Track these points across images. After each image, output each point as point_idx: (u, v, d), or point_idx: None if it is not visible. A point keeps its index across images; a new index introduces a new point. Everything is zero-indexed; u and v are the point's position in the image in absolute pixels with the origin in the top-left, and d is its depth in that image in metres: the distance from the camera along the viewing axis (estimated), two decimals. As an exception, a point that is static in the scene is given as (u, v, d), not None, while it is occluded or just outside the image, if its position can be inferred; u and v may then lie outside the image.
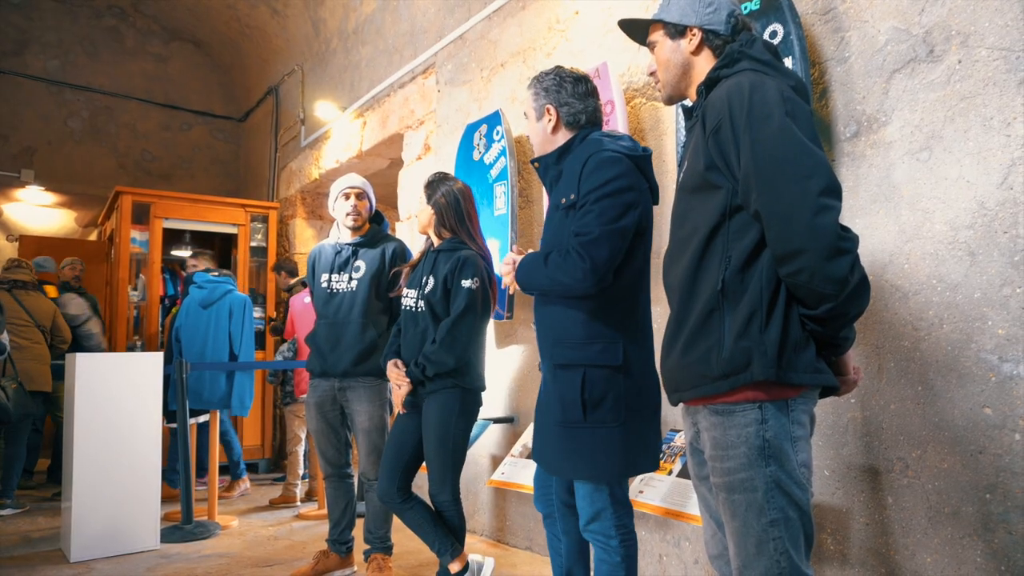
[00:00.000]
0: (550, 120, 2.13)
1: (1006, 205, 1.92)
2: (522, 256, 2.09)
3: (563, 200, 1.99)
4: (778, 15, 2.40)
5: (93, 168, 7.78)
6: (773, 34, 2.40)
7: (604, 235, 1.88)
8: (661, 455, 2.60)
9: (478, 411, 2.81)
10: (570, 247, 1.90)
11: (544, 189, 2.26)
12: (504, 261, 2.14)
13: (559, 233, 2.01)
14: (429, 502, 2.77)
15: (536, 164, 2.19)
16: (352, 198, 3.17)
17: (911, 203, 2.14)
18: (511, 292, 2.16)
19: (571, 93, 2.12)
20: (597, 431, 1.95)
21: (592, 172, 1.93)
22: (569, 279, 1.89)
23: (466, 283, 2.68)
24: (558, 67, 2.20)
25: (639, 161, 2.03)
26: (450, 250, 2.77)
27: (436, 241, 2.83)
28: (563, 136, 2.13)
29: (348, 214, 3.16)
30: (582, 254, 1.87)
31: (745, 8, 2.47)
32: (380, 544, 3.13)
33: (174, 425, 4.36)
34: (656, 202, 2.11)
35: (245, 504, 5.02)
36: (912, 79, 2.16)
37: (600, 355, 1.97)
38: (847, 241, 1.37)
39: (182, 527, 3.98)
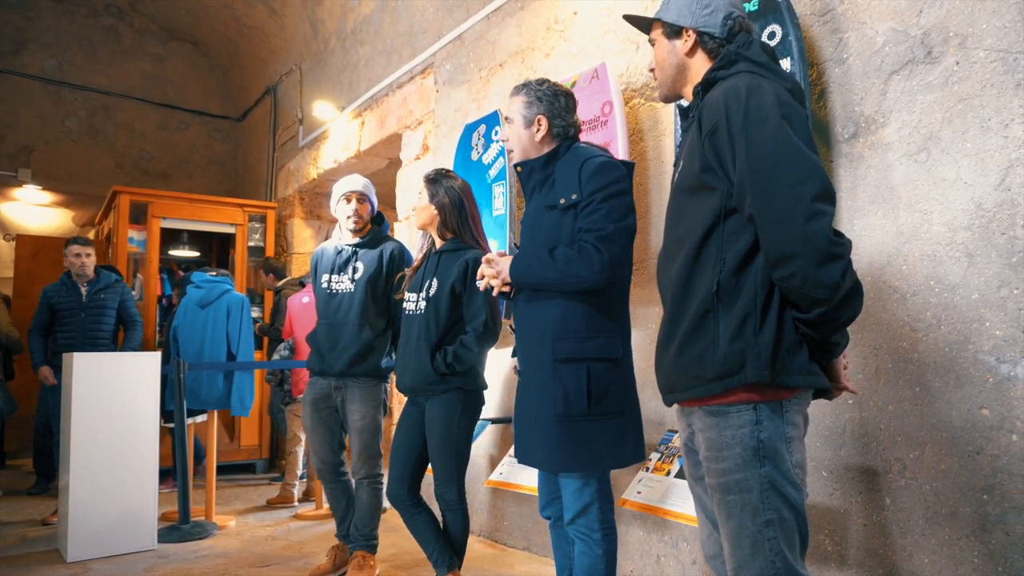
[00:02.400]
0: (539, 130, 2.21)
1: (1004, 206, 1.93)
2: (504, 257, 2.17)
3: (562, 200, 2.07)
4: (776, 16, 2.40)
5: (90, 167, 7.77)
6: (772, 35, 2.40)
7: (617, 231, 2.00)
8: (660, 456, 2.60)
9: (480, 409, 2.81)
10: (584, 242, 1.99)
11: (524, 193, 2.31)
12: (487, 260, 2.19)
13: (554, 232, 2.08)
14: (435, 501, 2.78)
15: (519, 168, 2.25)
16: (353, 201, 3.20)
17: (909, 204, 2.15)
18: (495, 292, 2.21)
19: (563, 107, 2.23)
20: (600, 423, 2.02)
21: (594, 175, 2.03)
22: (586, 272, 1.97)
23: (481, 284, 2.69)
24: (547, 79, 2.28)
25: (628, 169, 2.16)
26: (454, 251, 2.77)
27: (438, 241, 2.83)
28: (548, 146, 2.22)
29: (349, 217, 3.19)
30: (599, 248, 1.97)
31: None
32: (364, 542, 3.15)
33: (171, 425, 4.36)
34: None
35: (243, 504, 5.02)
36: (910, 80, 2.16)
37: (602, 349, 2.05)
38: (839, 246, 1.37)
39: (179, 527, 3.97)
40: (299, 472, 5.05)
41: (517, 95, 2.25)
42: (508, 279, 2.13)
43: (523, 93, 2.24)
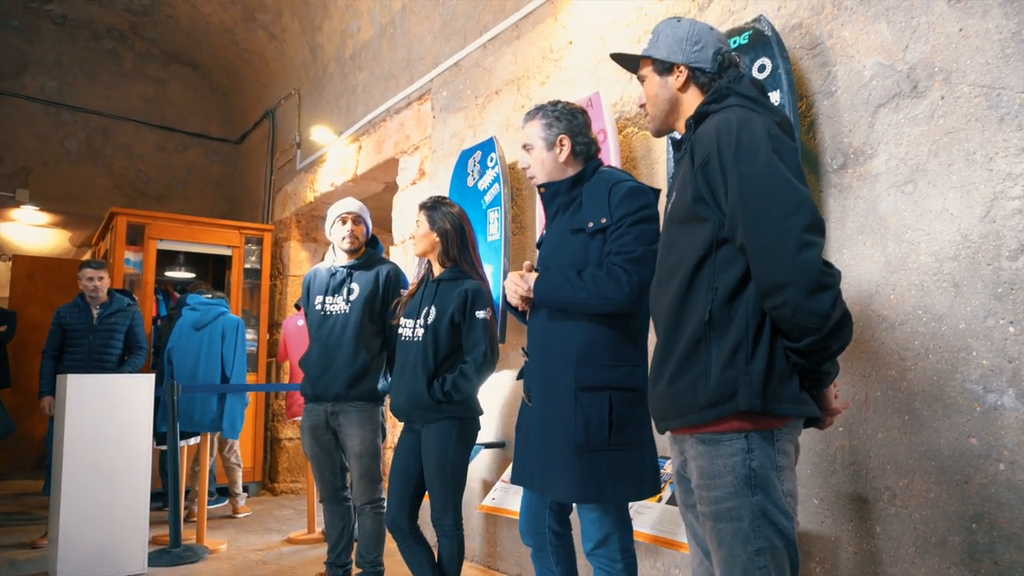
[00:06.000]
0: (563, 150, 2.18)
1: (989, 238, 1.96)
2: (530, 273, 2.13)
3: (590, 224, 2.05)
4: (766, 49, 2.45)
5: (88, 189, 7.79)
6: (762, 68, 2.45)
7: (646, 255, 1.97)
8: (651, 482, 2.60)
9: (476, 435, 2.81)
10: (612, 264, 1.98)
11: (545, 214, 2.28)
12: (513, 279, 2.15)
13: (580, 255, 2.06)
14: (432, 528, 2.77)
15: (543, 189, 2.21)
16: (348, 222, 3.22)
17: (897, 235, 2.18)
18: (521, 308, 2.19)
19: (581, 124, 2.20)
20: (619, 454, 1.99)
21: (624, 199, 2.03)
22: (615, 293, 1.95)
23: (480, 314, 2.70)
24: (559, 100, 2.25)
25: (656, 195, 2.13)
26: (452, 280, 2.78)
27: (437, 269, 2.84)
28: (573, 166, 2.19)
29: (344, 238, 3.22)
30: (628, 270, 1.95)
31: (734, 42, 2.52)
32: (371, 568, 3.13)
33: (164, 447, 4.35)
34: None
35: (234, 528, 4.99)
36: (897, 113, 2.21)
37: (626, 378, 2.02)
38: (830, 276, 1.40)
39: (170, 550, 3.94)
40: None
41: (533, 119, 2.22)
42: (530, 295, 2.10)
43: (540, 116, 2.21)
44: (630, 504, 2.57)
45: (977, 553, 1.92)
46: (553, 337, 2.09)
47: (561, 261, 2.10)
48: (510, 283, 2.16)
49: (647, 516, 2.48)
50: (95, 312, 4.69)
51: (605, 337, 2.03)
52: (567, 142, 2.17)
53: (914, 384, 2.10)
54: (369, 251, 3.31)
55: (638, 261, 1.96)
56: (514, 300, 2.17)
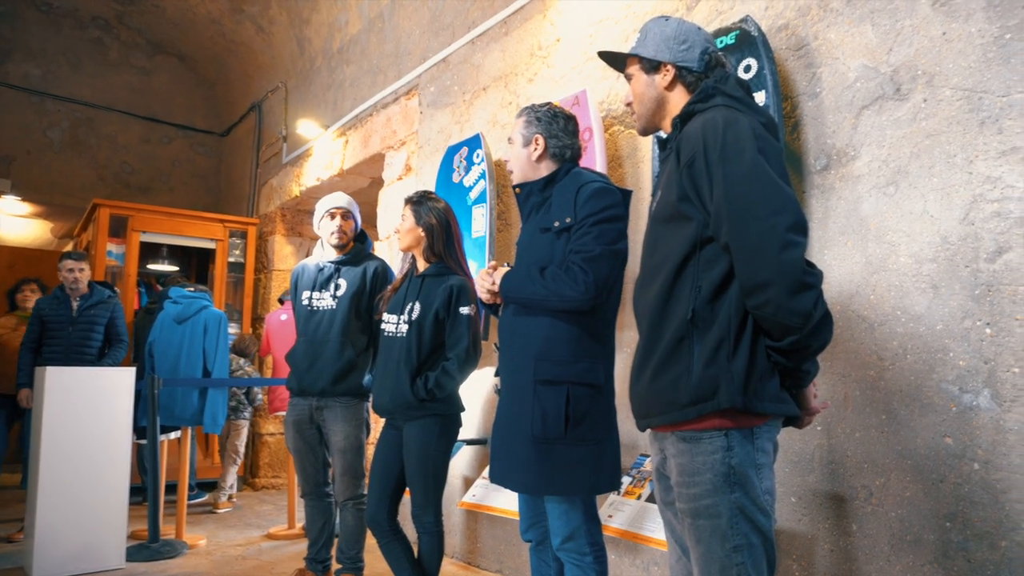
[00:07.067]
0: (536, 149, 2.24)
1: (967, 240, 1.98)
2: (498, 270, 2.19)
3: (556, 223, 2.10)
4: (752, 50, 2.46)
5: (71, 179, 7.71)
6: (747, 68, 2.46)
7: (605, 254, 2.02)
8: (631, 480, 2.61)
9: (458, 432, 2.81)
10: (571, 262, 2.02)
11: (521, 214, 2.32)
12: (481, 275, 2.21)
13: (547, 254, 2.10)
14: (412, 525, 2.77)
15: (518, 190, 2.27)
16: (337, 218, 3.21)
17: (877, 236, 2.20)
18: (490, 302, 2.25)
19: (561, 128, 2.25)
20: (575, 448, 2.01)
21: (589, 199, 2.06)
22: (571, 291, 1.99)
23: (464, 310, 2.70)
24: (550, 103, 2.32)
25: (625, 196, 2.16)
26: (437, 275, 2.77)
27: (421, 264, 2.84)
28: (547, 167, 2.24)
29: (333, 233, 3.20)
30: (585, 269, 1.99)
31: (720, 42, 2.53)
32: (351, 564, 3.12)
33: (143, 441, 4.31)
34: None
35: (214, 523, 4.96)
36: (880, 115, 2.23)
37: (585, 374, 2.05)
38: (812, 276, 1.41)
39: (148, 545, 3.91)
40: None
41: (520, 117, 2.30)
42: (496, 290, 2.16)
43: (525, 114, 2.29)
44: (608, 500, 2.59)
45: (951, 551, 1.94)
46: (518, 332, 2.14)
47: (530, 259, 2.15)
48: (479, 278, 2.24)
49: (626, 513, 2.49)
50: (75, 304, 4.64)
51: (567, 333, 2.06)
52: (541, 142, 2.23)
53: (892, 384, 2.12)
54: (357, 246, 3.30)
55: (596, 260, 2.00)
56: (482, 295, 2.24)
